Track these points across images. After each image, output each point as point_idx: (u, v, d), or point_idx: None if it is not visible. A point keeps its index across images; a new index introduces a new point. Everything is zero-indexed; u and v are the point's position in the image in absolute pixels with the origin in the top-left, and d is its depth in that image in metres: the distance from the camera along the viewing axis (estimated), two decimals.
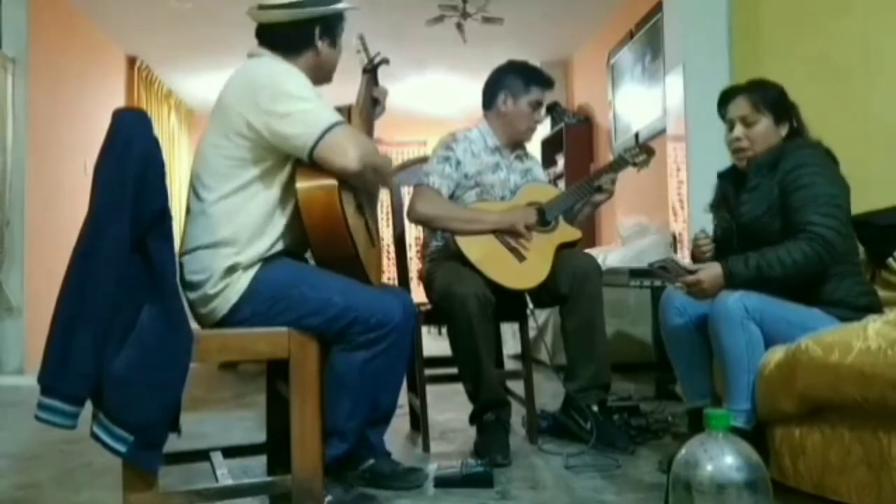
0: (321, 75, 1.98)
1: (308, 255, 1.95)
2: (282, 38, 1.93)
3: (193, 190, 1.86)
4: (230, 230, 1.78)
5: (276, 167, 1.82)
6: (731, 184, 2.20)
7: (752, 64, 3.57)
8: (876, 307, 1.99)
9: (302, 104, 1.78)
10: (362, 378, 1.81)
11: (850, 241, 2.04)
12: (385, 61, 2.23)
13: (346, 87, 2.07)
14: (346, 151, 1.76)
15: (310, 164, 1.78)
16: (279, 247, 1.84)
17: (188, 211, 1.87)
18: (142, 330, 1.51)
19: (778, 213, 2.02)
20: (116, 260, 1.49)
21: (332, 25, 1.97)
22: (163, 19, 5.79)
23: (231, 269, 1.77)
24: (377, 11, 5.45)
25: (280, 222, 1.84)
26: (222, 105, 1.85)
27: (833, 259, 1.93)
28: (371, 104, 2.18)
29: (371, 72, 2.20)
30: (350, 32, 2.06)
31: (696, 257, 2.24)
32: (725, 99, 2.16)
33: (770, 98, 2.10)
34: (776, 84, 2.15)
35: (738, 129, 2.11)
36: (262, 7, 1.93)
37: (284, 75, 1.83)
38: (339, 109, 1.90)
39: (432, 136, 6.09)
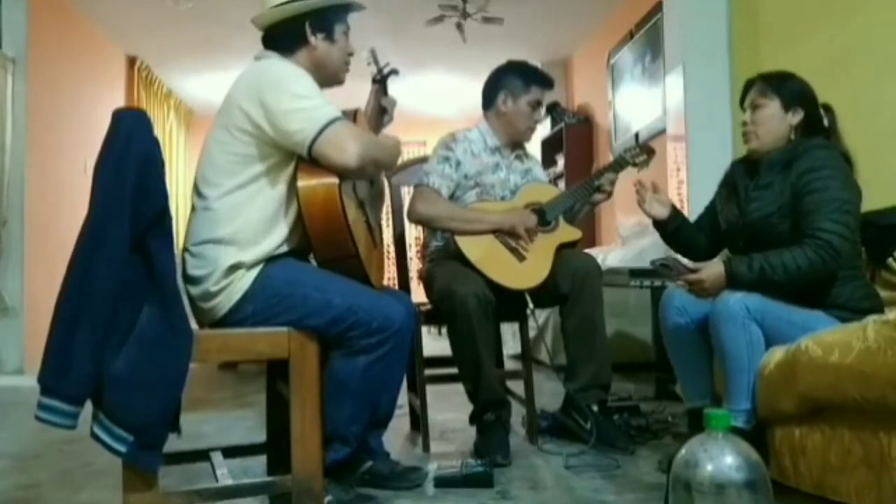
0: (325, 75, 1.96)
1: (310, 256, 1.96)
2: (278, 38, 1.95)
3: (197, 187, 1.87)
4: (233, 227, 1.78)
5: (279, 165, 1.83)
6: (744, 174, 2.17)
7: (752, 64, 3.57)
8: (878, 310, 1.97)
9: (303, 101, 1.78)
10: (363, 382, 1.81)
11: (854, 245, 2.02)
12: (394, 72, 2.26)
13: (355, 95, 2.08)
14: (345, 147, 1.76)
15: (310, 160, 1.78)
16: (284, 248, 1.85)
17: (192, 208, 1.87)
18: (142, 330, 1.51)
19: (788, 214, 1.99)
20: (116, 260, 1.49)
21: (325, 19, 1.95)
22: (163, 19, 5.79)
23: (234, 268, 1.77)
24: (377, 12, 5.45)
25: (286, 223, 1.84)
26: (228, 103, 1.85)
27: (838, 265, 1.91)
28: (379, 113, 2.20)
29: (380, 82, 2.23)
30: (357, 38, 2.05)
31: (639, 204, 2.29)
32: (746, 88, 2.15)
33: (780, 85, 2.07)
34: (794, 74, 2.11)
35: (747, 114, 2.10)
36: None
37: (289, 74, 1.84)
38: (345, 113, 1.90)
39: (432, 136, 6.09)
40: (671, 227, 2.30)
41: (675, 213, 2.31)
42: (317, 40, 1.95)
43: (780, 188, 2.02)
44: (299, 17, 1.92)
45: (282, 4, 1.91)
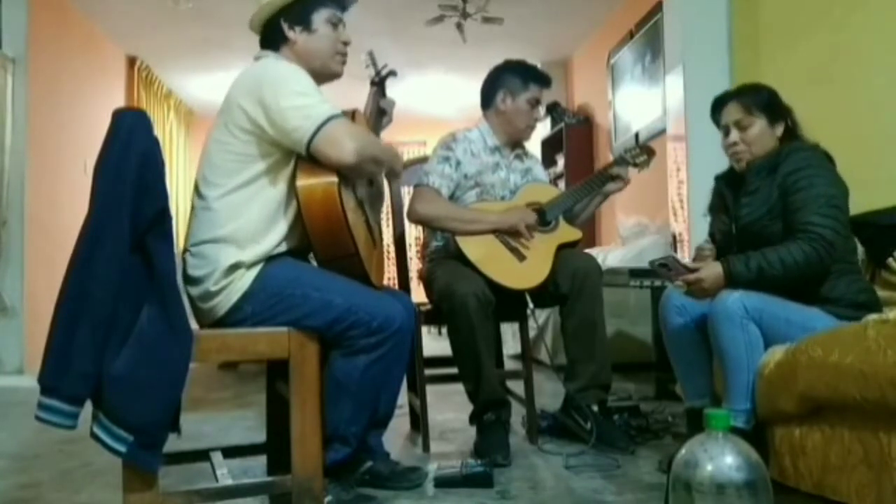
0: (314, 67, 1.94)
1: (310, 256, 1.96)
2: (265, 38, 1.97)
3: (197, 187, 1.87)
4: (233, 227, 1.79)
5: (279, 164, 1.83)
6: (729, 186, 2.21)
7: (752, 64, 3.57)
8: (874, 304, 2.00)
9: (301, 99, 1.78)
10: (363, 382, 1.81)
11: (848, 240, 2.05)
12: (392, 73, 2.27)
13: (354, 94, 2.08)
14: (343, 144, 1.76)
15: (308, 158, 1.79)
16: (283, 248, 1.85)
17: (192, 208, 1.88)
18: (142, 330, 1.51)
19: (778, 215, 2.02)
20: (116, 260, 1.49)
21: (299, 11, 1.94)
22: (163, 19, 5.79)
23: (234, 268, 1.77)
24: (377, 11, 5.45)
25: (285, 222, 1.84)
26: (228, 103, 1.86)
27: (832, 259, 1.94)
28: (378, 115, 2.20)
29: (379, 84, 2.23)
30: (357, 38, 2.05)
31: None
32: (718, 106, 2.18)
33: (761, 100, 2.12)
34: (766, 86, 2.17)
35: (734, 134, 2.12)
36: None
37: (287, 72, 1.84)
38: (344, 113, 1.90)
39: (432, 136, 6.10)
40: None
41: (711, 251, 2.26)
42: (295, 34, 1.94)
43: (768, 191, 2.05)
44: (276, 14, 1.93)
45: (261, 9, 1.94)
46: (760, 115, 2.10)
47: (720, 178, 2.27)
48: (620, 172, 2.65)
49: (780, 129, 2.12)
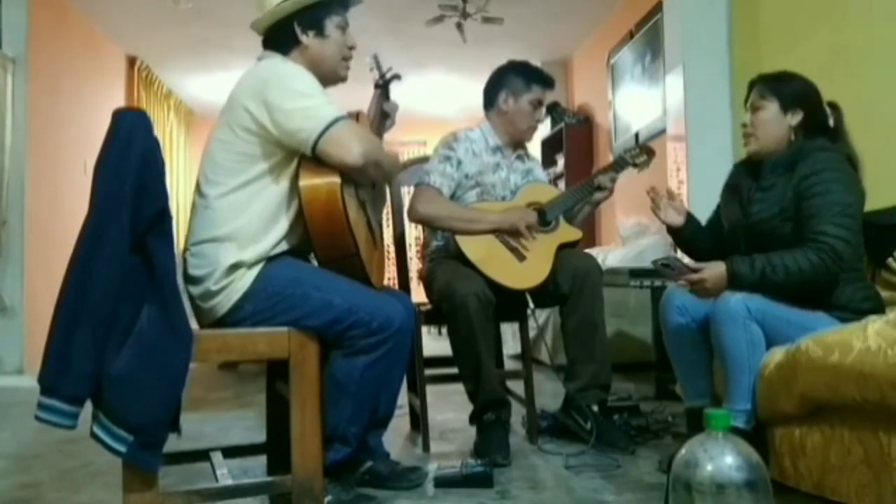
0: (324, 72, 1.94)
1: (311, 256, 1.96)
2: (274, 41, 1.95)
3: (199, 186, 1.87)
4: (234, 226, 1.79)
5: (282, 164, 1.83)
6: (747, 176, 2.17)
7: (753, 63, 3.57)
8: (879, 311, 1.96)
9: (307, 100, 1.78)
10: (363, 383, 1.81)
11: (857, 248, 2.00)
12: (397, 77, 2.26)
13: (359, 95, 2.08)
14: (349, 146, 1.76)
15: (313, 158, 1.79)
16: (283, 247, 1.85)
17: (193, 206, 1.88)
18: (142, 330, 1.51)
19: (790, 217, 1.99)
20: (116, 260, 1.49)
21: (313, 16, 1.93)
22: (163, 19, 5.79)
23: (234, 267, 1.77)
24: (377, 11, 5.45)
25: (285, 221, 1.84)
26: (231, 103, 1.85)
27: (840, 269, 1.91)
28: (382, 118, 2.20)
29: (383, 87, 2.24)
30: (357, 38, 2.04)
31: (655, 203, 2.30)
32: (750, 88, 2.16)
33: (781, 86, 2.07)
34: (798, 75, 2.11)
35: (747, 116, 2.11)
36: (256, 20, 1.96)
37: (291, 73, 1.84)
38: (349, 115, 1.90)
39: (432, 136, 6.09)
40: (687, 233, 2.29)
41: (690, 219, 2.30)
42: (308, 38, 1.93)
43: (783, 191, 2.01)
44: (288, 18, 1.91)
45: (271, 10, 1.91)
46: (772, 100, 2.06)
47: (739, 165, 2.25)
48: (604, 182, 2.64)
49: (794, 119, 2.05)
